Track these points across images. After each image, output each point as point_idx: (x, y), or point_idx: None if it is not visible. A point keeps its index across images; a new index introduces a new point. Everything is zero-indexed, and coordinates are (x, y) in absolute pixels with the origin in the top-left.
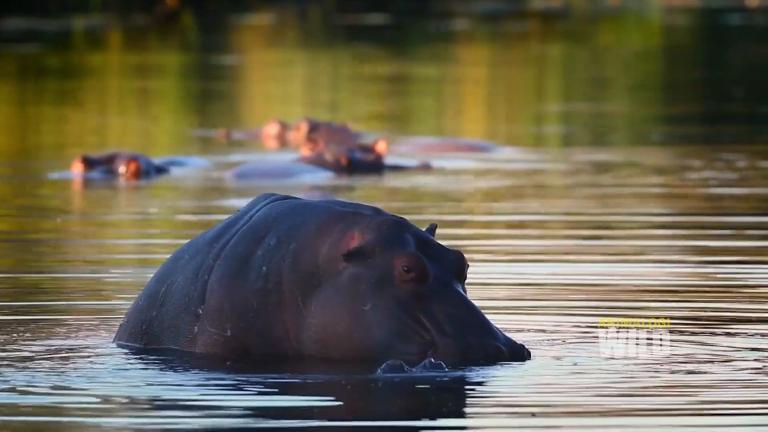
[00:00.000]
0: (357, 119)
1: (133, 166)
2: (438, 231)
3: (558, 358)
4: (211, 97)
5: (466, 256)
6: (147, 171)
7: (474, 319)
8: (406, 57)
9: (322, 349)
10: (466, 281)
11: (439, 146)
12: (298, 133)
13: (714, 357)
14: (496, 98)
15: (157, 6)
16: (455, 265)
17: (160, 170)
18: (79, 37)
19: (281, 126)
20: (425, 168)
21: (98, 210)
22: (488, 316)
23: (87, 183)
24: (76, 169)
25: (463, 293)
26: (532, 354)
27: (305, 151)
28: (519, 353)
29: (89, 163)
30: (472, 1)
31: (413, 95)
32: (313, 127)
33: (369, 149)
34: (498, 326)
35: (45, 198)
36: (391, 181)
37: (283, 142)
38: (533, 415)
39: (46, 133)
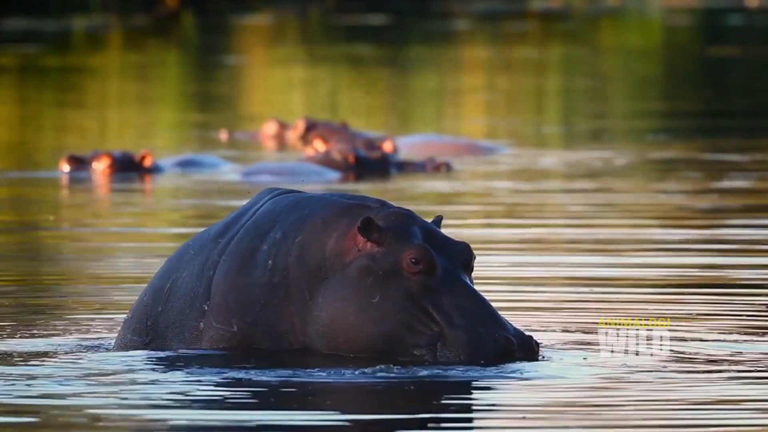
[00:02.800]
0: (356, 118)
1: (105, 161)
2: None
3: (556, 359)
4: (210, 96)
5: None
6: (125, 168)
7: (483, 310)
8: (406, 57)
9: (329, 342)
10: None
11: (439, 145)
12: (296, 132)
13: (712, 356)
14: (496, 98)
15: (157, 6)
16: (463, 256)
17: (143, 168)
18: (79, 37)
19: (279, 125)
20: (432, 165)
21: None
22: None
23: (71, 181)
24: (63, 168)
25: (471, 284)
26: (540, 346)
27: (310, 151)
28: (528, 345)
29: (76, 161)
30: (472, 1)
31: (413, 95)
32: (311, 126)
33: (376, 147)
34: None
35: (22, 197)
36: (399, 178)
37: (281, 142)
38: (524, 417)
39: (44, 132)
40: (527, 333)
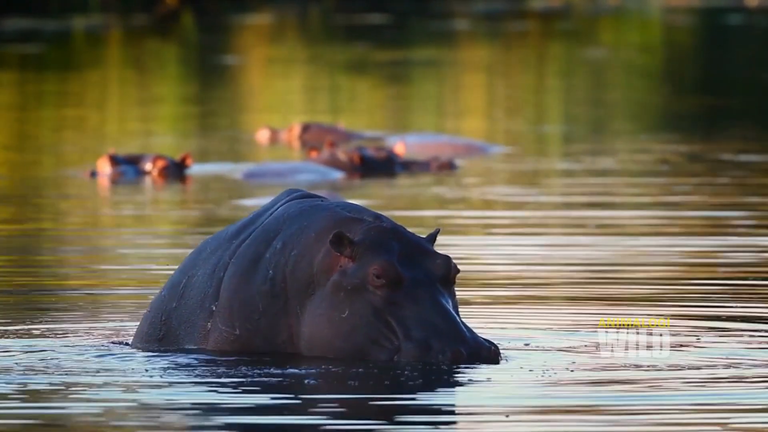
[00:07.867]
0: (356, 118)
1: (160, 164)
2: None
3: (556, 359)
4: (210, 97)
5: (467, 253)
6: (173, 170)
7: (444, 323)
8: (406, 57)
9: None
10: (470, 282)
11: (436, 145)
12: (291, 134)
13: (709, 359)
14: (495, 98)
15: (157, 6)
16: (440, 270)
17: (182, 168)
18: (79, 37)
19: (272, 132)
20: (436, 164)
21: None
22: (499, 312)
23: (118, 181)
24: (103, 168)
25: (438, 297)
26: (500, 356)
27: (313, 152)
28: (485, 357)
29: (115, 161)
30: (472, 1)
31: (413, 95)
32: (305, 128)
33: (382, 147)
34: (473, 327)
35: (82, 197)
36: (403, 178)
37: (275, 145)
38: (506, 416)
39: (47, 133)
40: (488, 343)
